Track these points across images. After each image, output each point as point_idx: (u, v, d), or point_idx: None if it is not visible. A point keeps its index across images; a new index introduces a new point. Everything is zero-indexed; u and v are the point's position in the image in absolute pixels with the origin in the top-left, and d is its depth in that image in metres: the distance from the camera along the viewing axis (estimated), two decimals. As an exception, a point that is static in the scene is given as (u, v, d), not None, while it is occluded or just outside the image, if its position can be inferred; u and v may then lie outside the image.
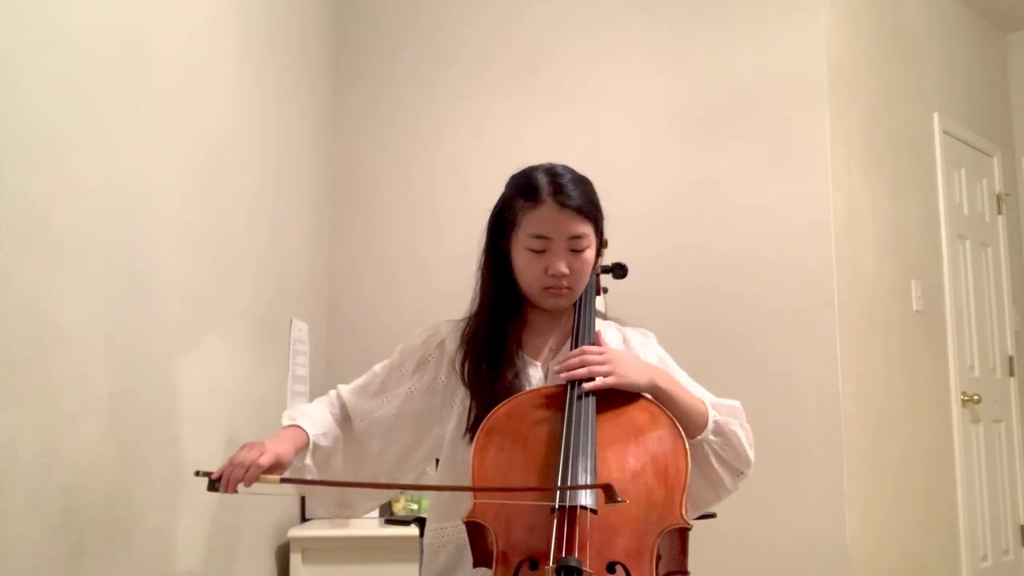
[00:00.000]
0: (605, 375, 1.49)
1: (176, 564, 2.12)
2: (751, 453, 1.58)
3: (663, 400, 1.52)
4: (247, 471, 1.47)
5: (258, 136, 2.73)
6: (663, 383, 1.53)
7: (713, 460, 1.56)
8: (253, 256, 2.65)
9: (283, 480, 1.51)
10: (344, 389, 1.74)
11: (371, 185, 3.49)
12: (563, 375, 1.51)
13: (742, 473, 1.58)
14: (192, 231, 2.25)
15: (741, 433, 1.57)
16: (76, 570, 1.71)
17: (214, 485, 1.50)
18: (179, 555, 2.13)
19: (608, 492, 1.30)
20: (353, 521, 2.92)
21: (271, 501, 2.74)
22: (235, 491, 1.50)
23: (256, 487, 1.50)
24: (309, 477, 1.62)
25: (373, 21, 3.57)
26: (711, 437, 1.55)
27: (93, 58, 1.83)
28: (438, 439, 1.68)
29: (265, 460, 1.48)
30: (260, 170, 2.73)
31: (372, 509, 1.88)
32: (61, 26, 1.72)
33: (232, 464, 1.49)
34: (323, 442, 1.64)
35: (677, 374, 1.66)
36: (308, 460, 1.62)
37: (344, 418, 1.72)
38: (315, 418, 1.66)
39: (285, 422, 1.64)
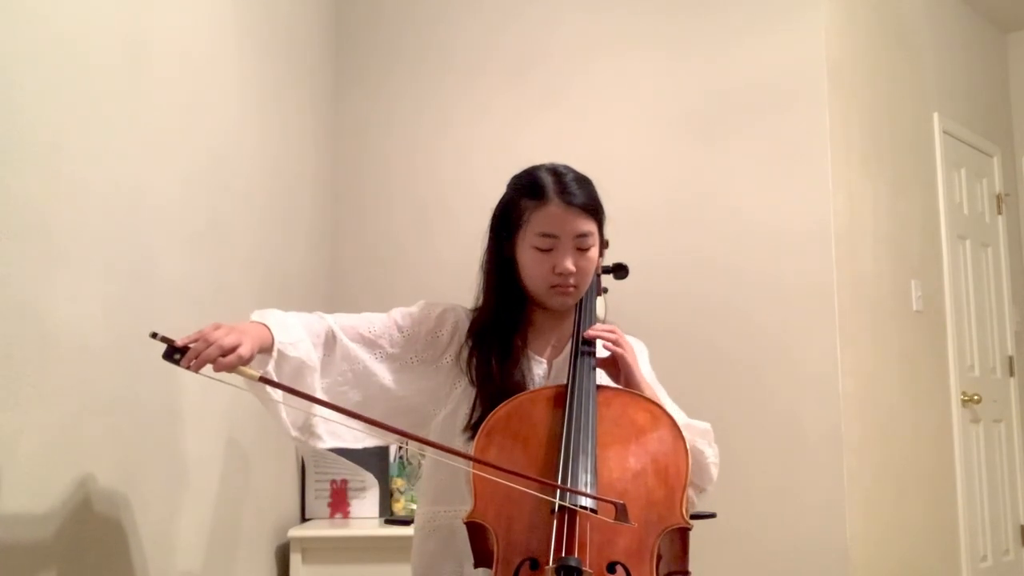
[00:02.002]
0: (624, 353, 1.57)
1: (176, 564, 2.12)
2: (715, 473, 1.64)
3: None
4: (224, 355, 1.32)
5: (259, 136, 2.73)
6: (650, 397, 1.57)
7: None
8: (254, 256, 2.65)
9: (262, 379, 1.35)
10: (331, 319, 1.60)
11: (371, 185, 3.48)
12: (589, 332, 1.57)
13: (704, 490, 1.63)
14: (192, 231, 2.25)
15: (709, 452, 1.62)
16: (76, 570, 1.71)
17: (174, 356, 1.29)
18: (179, 555, 2.13)
19: (619, 512, 1.30)
20: (353, 521, 2.92)
21: (271, 500, 2.74)
22: (197, 371, 1.32)
23: (222, 375, 1.33)
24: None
25: (372, 20, 3.57)
26: None
27: (94, 58, 1.83)
28: (421, 418, 1.65)
29: (246, 351, 1.35)
30: (261, 170, 2.73)
31: (337, 445, 1.60)
32: (62, 26, 1.72)
33: (207, 340, 1.32)
34: (291, 352, 1.47)
35: (660, 393, 1.68)
36: (270, 367, 1.44)
37: (327, 344, 1.57)
38: (287, 327, 1.49)
39: (254, 318, 1.48)
